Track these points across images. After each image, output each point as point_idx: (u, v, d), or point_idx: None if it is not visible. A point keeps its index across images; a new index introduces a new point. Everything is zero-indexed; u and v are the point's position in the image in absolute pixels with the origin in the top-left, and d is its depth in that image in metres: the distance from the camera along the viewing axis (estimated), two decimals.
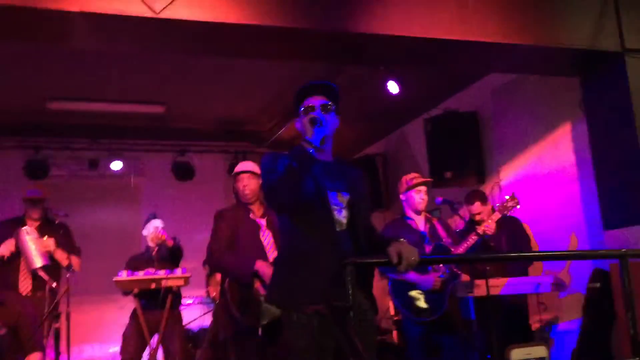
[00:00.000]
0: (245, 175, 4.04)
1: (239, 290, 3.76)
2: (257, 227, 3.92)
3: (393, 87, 5.57)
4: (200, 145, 7.94)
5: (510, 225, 4.80)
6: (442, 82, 5.94)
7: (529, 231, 5.09)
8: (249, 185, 4.00)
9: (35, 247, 4.77)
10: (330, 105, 2.63)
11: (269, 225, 3.92)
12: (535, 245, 5.13)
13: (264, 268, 3.55)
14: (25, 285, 4.84)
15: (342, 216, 2.61)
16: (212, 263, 4.01)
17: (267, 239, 3.90)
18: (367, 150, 8.03)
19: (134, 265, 5.05)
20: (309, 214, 2.56)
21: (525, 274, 4.76)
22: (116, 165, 7.51)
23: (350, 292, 2.27)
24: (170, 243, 5.08)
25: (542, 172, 5.43)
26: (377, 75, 5.57)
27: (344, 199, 2.64)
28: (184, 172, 7.76)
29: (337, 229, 2.58)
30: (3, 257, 4.69)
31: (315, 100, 2.63)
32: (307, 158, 2.50)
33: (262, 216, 3.97)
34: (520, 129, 5.66)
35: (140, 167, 7.86)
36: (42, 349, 3.68)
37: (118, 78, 5.87)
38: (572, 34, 4.23)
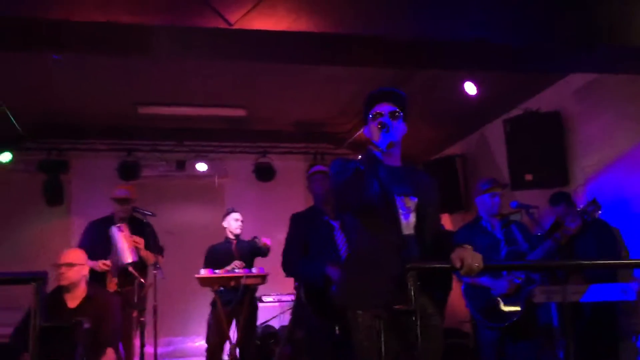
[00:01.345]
0: (318, 176, 4.13)
1: (314, 291, 3.83)
2: (332, 229, 3.96)
3: (470, 88, 5.50)
4: (281, 147, 8.13)
5: (597, 229, 4.61)
6: (522, 82, 5.78)
7: (618, 235, 4.87)
8: (323, 186, 4.08)
9: (127, 244, 4.96)
10: (398, 112, 2.67)
11: (343, 226, 3.94)
12: (625, 250, 4.90)
13: (335, 272, 3.57)
14: (113, 282, 5.01)
15: (408, 220, 2.63)
16: (285, 269, 4.09)
17: (341, 239, 3.92)
18: (447, 151, 7.92)
19: (213, 257, 5.23)
20: (374, 216, 2.60)
21: (613, 280, 4.56)
22: (201, 167, 7.85)
23: (413, 296, 2.30)
24: (267, 244, 5.26)
25: (631, 174, 5.17)
26: (456, 76, 5.52)
27: (411, 203, 2.66)
28: (265, 173, 7.99)
29: (403, 233, 2.60)
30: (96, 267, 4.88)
31: (384, 107, 2.67)
32: (374, 161, 2.51)
33: (336, 218, 3.99)
34: (606, 129, 5.40)
35: (224, 168, 8.15)
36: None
37: (202, 83, 6.15)
38: None
